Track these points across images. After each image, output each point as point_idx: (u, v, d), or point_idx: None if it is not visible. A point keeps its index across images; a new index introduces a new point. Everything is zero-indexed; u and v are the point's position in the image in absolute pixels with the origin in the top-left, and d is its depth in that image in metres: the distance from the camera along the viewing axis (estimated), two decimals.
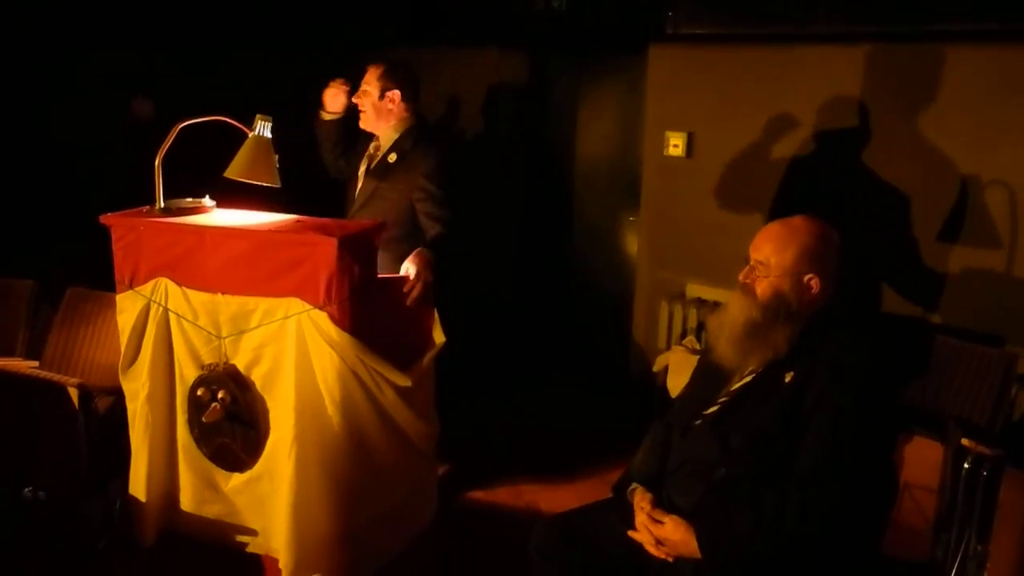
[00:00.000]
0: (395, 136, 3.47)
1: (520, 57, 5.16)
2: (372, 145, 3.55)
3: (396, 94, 3.42)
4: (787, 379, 2.19)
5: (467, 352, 3.58)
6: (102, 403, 3.07)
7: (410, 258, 3.03)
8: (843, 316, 2.26)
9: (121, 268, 2.97)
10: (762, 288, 2.23)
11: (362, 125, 3.52)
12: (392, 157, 3.45)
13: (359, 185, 3.56)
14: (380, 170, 3.47)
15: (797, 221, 2.26)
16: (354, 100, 3.49)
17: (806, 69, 3.97)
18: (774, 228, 2.27)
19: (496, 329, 5.32)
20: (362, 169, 3.58)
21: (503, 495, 3.71)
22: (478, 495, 3.70)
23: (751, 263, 2.28)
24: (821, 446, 2.12)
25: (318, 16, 5.27)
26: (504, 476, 3.85)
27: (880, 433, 2.35)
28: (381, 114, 3.45)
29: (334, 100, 3.65)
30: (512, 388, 4.93)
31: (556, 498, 3.62)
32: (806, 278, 2.21)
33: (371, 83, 3.42)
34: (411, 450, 3.09)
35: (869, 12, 3.58)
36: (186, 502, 3.06)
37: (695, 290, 4.40)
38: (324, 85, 3.66)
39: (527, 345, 5.38)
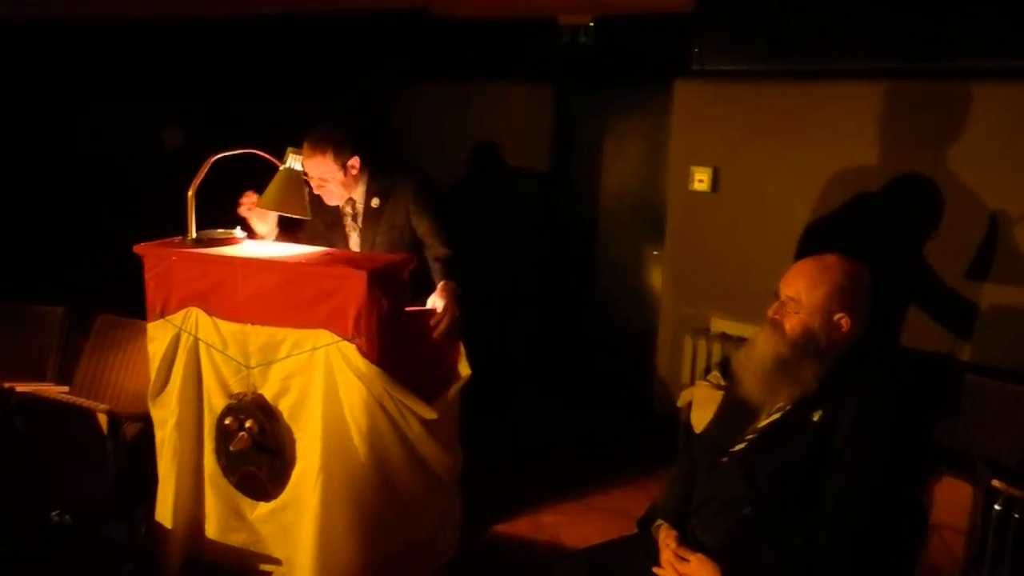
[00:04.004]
0: (363, 186, 3.35)
1: (546, 92, 5.21)
2: (345, 204, 3.39)
3: (355, 160, 3.24)
4: (815, 417, 2.17)
5: (491, 384, 3.59)
6: (130, 429, 3.10)
7: (437, 291, 3.05)
8: (871, 354, 2.25)
9: (153, 297, 3.02)
10: (791, 324, 2.22)
11: (333, 203, 3.34)
12: (375, 202, 3.33)
13: (351, 240, 3.43)
14: (370, 219, 3.36)
15: (830, 259, 2.25)
16: (316, 191, 3.25)
17: (830, 104, 3.99)
18: (806, 265, 2.26)
19: (520, 361, 5.33)
20: (352, 226, 3.43)
21: (525, 527, 3.70)
22: (500, 527, 3.69)
23: (781, 298, 2.26)
24: (849, 485, 2.09)
25: (344, 54, 5.35)
26: (526, 509, 3.83)
27: (910, 471, 2.32)
28: (348, 183, 3.29)
29: (261, 220, 3.27)
30: (535, 420, 4.92)
31: (578, 532, 3.60)
32: (836, 316, 2.19)
33: (327, 169, 3.18)
34: (435, 481, 3.10)
35: (892, 48, 3.60)
36: (211, 529, 3.08)
37: (719, 325, 4.39)
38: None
39: (550, 378, 5.38)
